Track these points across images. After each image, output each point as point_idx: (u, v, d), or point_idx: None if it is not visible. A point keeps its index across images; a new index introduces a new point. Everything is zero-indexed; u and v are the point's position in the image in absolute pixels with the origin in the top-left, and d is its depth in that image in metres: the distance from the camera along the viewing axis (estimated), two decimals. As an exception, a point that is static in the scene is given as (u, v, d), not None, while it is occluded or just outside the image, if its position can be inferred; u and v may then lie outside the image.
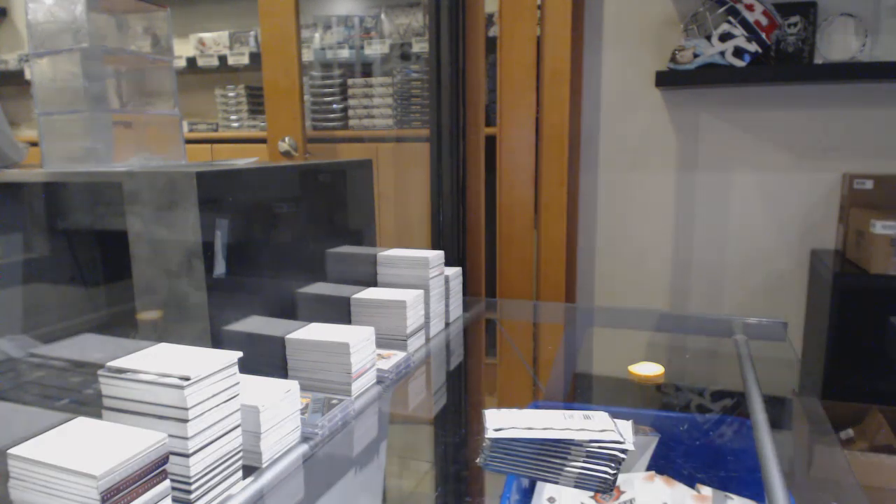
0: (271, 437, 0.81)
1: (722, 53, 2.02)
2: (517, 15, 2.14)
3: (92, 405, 0.81)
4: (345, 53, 2.93)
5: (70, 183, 1.05)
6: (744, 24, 1.99)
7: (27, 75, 3.48)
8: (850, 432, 1.83)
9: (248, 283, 1.02)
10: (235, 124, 3.24)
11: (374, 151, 2.76)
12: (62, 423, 0.66)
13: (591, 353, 1.52)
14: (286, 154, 2.42)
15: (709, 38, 2.04)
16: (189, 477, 0.69)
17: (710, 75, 2.07)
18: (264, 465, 0.80)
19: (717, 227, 2.32)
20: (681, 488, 0.78)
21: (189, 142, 1.50)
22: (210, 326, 0.91)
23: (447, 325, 1.41)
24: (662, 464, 0.88)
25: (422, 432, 1.16)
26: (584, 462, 0.75)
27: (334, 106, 2.91)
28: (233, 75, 3.33)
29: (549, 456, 0.76)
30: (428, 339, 1.31)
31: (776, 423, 0.87)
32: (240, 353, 0.75)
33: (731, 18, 2.00)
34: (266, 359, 1.02)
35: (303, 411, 0.90)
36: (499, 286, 2.31)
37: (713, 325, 1.57)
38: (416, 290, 1.25)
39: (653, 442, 0.77)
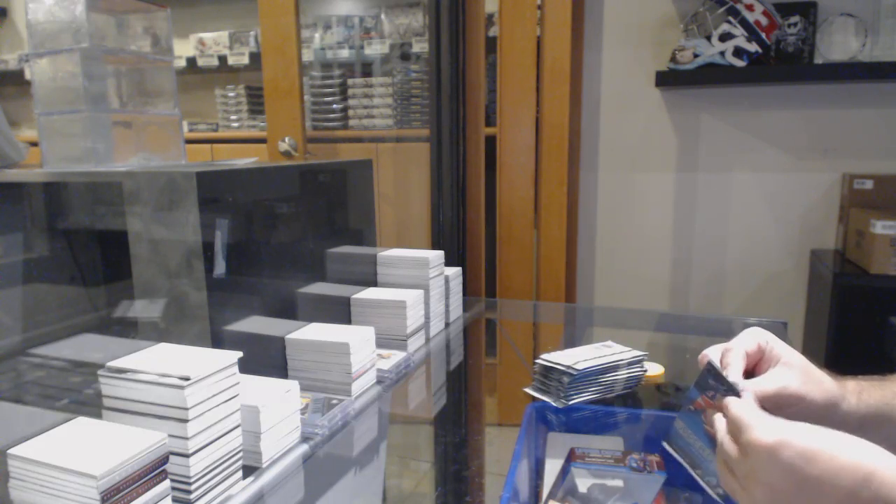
0: (271, 437, 0.81)
1: (722, 53, 2.02)
2: (517, 15, 2.14)
3: (92, 405, 0.81)
4: (345, 53, 2.93)
5: (70, 183, 1.05)
6: (744, 24, 1.99)
7: (27, 75, 3.48)
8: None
9: (248, 283, 1.02)
10: (235, 124, 3.24)
11: (374, 151, 2.76)
12: (62, 423, 0.66)
13: (591, 353, 1.51)
14: (286, 154, 2.42)
15: (709, 38, 2.04)
16: (189, 477, 0.69)
17: (710, 75, 2.07)
18: (264, 465, 0.80)
19: (717, 227, 2.32)
20: None
21: (189, 142, 1.49)
22: (210, 326, 0.91)
23: (447, 325, 1.41)
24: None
25: (422, 432, 1.16)
26: (625, 371, 1.01)
27: (334, 106, 2.91)
28: (233, 75, 3.33)
29: (607, 373, 0.99)
30: (428, 339, 1.31)
31: (776, 423, 0.87)
32: (240, 353, 0.75)
33: (731, 18, 2.00)
34: (266, 359, 1.02)
35: (303, 411, 0.90)
36: (499, 286, 2.31)
37: (713, 325, 1.57)
38: (416, 290, 1.25)
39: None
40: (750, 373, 0.64)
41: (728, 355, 0.63)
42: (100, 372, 0.71)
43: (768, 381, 0.60)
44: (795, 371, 0.61)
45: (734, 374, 0.61)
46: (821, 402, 0.60)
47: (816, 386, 0.61)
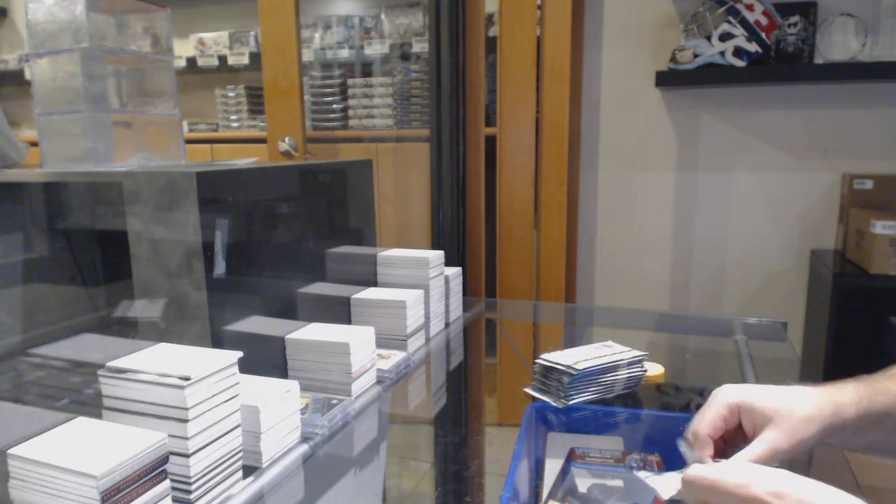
0: (271, 437, 0.81)
1: (722, 53, 2.02)
2: (517, 15, 2.14)
3: (92, 405, 0.81)
4: (345, 53, 2.93)
5: (70, 183, 1.05)
6: (744, 24, 1.99)
7: (27, 75, 3.48)
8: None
9: (248, 283, 1.02)
10: (235, 124, 3.24)
11: (374, 151, 2.76)
12: (62, 423, 0.66)
13: (591, 353, 1.51)
14: (286, 154, 2.42)
15: (709, 38, 2.04)
16: (189, 477, 0.69)
17: (710, 75, 2.07)
18: (264, 465, 0.80)
19: (717, 227, 2.32)
20: None
21: (189, 142, 1.50)
22: (210, 326, 0.91)
23: (447, 325, 1.41)
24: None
25: (422, 432, 1.16)
26: (625, 371, 1.01)
27: (334, 106, 2.91)
28: (233, 75, 3.33)
29: (607, 373, 0.99)
30: (428, 339, 1.31)
31: (776, 423, 0.87)
32: (240, 353, 0.75)
33: (731, 18, 2.00)
34: (266, 359, 1.02)
35: (303, 411, 0.90)
36: (499, 286, 2.31)
37: (713, 325, 1.57)
38: (416, 290, 1.25)
39: None
40: (735, 435, 0.64)
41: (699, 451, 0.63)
42: (100, 372, 0.71)
43: (758, 448, 0.59)
44: (782, 427, 0.60)
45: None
46: (816, 438, 0.60)
47: (806, 426, 0.60)
